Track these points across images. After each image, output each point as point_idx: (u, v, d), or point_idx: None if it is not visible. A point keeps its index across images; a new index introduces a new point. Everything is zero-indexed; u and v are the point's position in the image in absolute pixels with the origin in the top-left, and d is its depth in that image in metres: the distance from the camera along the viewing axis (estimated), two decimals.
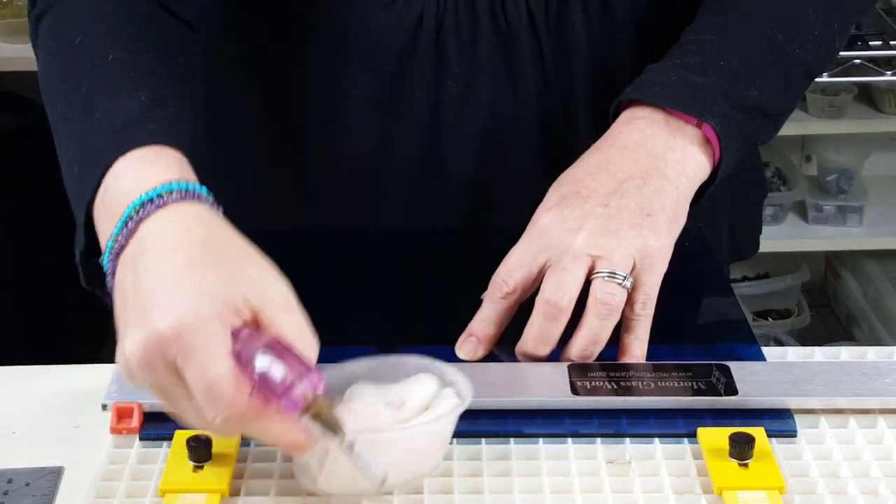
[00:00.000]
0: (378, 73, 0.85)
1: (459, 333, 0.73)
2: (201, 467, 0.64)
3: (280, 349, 0.59)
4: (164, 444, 0.67)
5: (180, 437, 0.66)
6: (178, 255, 0.61)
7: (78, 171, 0.69)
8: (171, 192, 0.64)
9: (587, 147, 0.80)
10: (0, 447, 0.69)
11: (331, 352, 0.74)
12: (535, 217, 0.74)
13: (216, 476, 0.64)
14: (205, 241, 0.62)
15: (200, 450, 0.64)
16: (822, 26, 0.81)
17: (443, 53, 0.84)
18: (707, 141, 0.76)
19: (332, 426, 0.59)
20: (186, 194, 0.64)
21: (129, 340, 0.60)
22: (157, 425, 0.68)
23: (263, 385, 0.58)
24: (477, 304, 0.74)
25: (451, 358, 0.73)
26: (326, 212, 0.90)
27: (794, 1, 0.80)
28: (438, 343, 0.73)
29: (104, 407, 0.69)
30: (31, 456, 0.68)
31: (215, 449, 0.65)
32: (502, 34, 0.84)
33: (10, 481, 0.66)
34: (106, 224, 0.65)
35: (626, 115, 0.77)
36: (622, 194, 0.73)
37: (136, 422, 0.68)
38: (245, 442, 0.67)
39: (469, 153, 0.87)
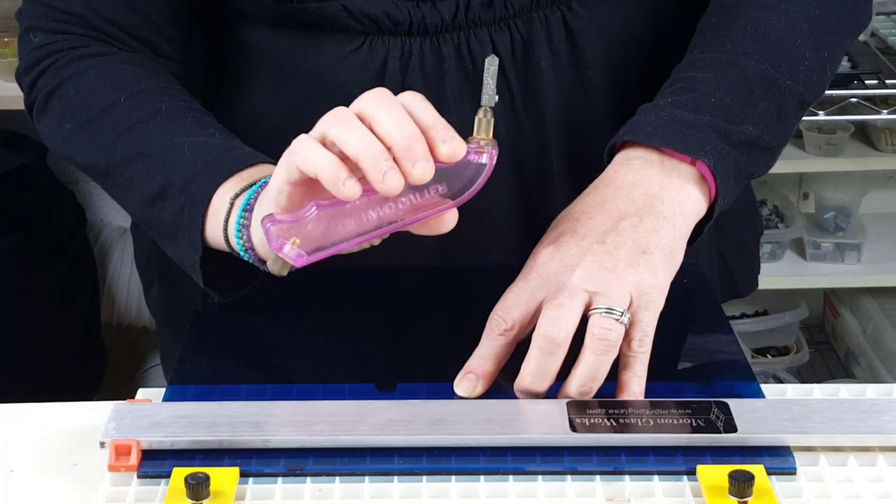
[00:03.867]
0: None
1: (451, 369, 0.73)
2: None
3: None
4: (163, 481, 0.67)
5: (178, 474, 0.66)
6: None
7: (178, 192, 0.76)
8: None
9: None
10: None
11: (329, 389, 0.74)
12: (532, 255, 0.74)
13: None
14: None
15: (198, 487, 0.64)
16: (812, 55, 0.81)
17: None
18: (702, 178, 0.76)
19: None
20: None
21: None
22: (155, 463, 0.68)
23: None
24: (467, 340, 0.74)
25: (449, 394, 0.73)
26: None
27: (782, 33, 0.81)
28: (434, 380, 0.73)
29: (102, 444, 0.68)
30: (30, 494, 0.68)
31: (213, 486, 0.65)
32: (469, 76, 0.84)
33: None
34: (223, 204, 0.75)
35: (621, 157, 0.78)
36: (619, 232, 0.73)
37: (134, 459, 0.68)
38: (243, 479, 0.67)
39: None
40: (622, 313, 0.70)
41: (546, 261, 0.73)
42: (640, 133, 0.77)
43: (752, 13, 0.81)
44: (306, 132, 0.88)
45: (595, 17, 0.85)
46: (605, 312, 0.70)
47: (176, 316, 0.97)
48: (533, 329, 0.71)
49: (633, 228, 0.73)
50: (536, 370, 0.70)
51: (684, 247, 0.75)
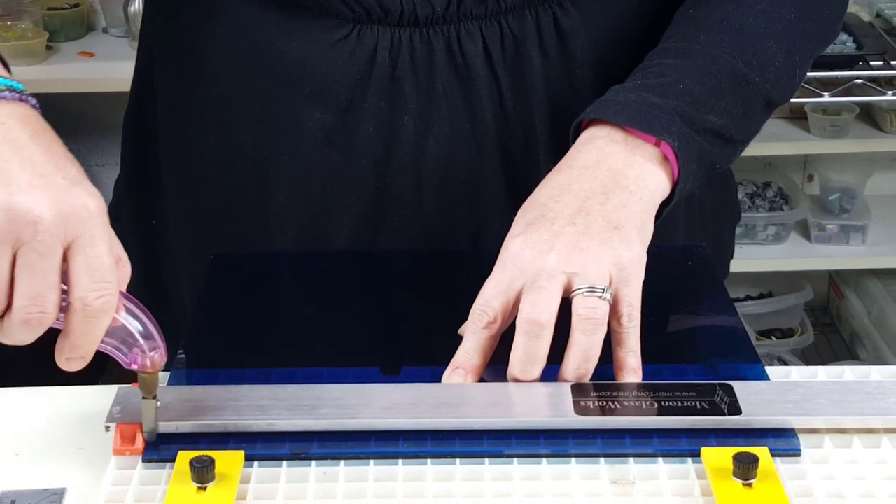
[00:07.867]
0: (331, 107, 0.85)
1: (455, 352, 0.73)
2: (204, 488, 0.64)
3: (139, 308, 0.67)
4: (168, 465, 0.67)
5: (183, 458, 0.66)
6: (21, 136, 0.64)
7: None
8: (12, 89, 0.67)
9: None
10: (3, 469, 0.69)
11: (333, 372, 0.74)
12: (504, 245, 0.74)
13: (219, 497, 0.64)
14: (34, 131, 0.65)
15: (203, 471, 0.64)
16: (784, 57, 0.82)
17: (398, 88, 0.84)
18: (665, 159, 0.77)
19: (153, 389, 0.68)
20: (23, 96, 0.67)
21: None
22: (160, 447, 0.68)
23: (123, 332, 0.66)
24: (446, 323, 0.74)
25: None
26: (281, 242, 0.90)
27: (756, 32, 0.82)
28: (438, 364, 0.73)
29: (107, 428, 0.69)
30: (35, 478, 0.68)
31: (218, 470, 0.65)
32: (459, 70, 0.84)
33: (13, 503, 0.66)
34: None
35: (585, 135, 0.78)
36: (587, 211, 0.73)
37: (139, 443, 0.68)
38: (248, 462, 0.67)
39: (428, 187, 0.87)
40: (604, 290, 0.70)
41: (519, 249, 0.72)
42: (606, 112, 0.78)
43: (729, 8, 0.82)
44: (289, 121, 0.87)
45: (586, 16, 0.85)
46: (588, 292, 0.70)
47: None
48: (516, 319, 0.71)
49: (601, 206, 0.73)
50: (525, 355, 0.70)
51: (653, 220, 0.76)
